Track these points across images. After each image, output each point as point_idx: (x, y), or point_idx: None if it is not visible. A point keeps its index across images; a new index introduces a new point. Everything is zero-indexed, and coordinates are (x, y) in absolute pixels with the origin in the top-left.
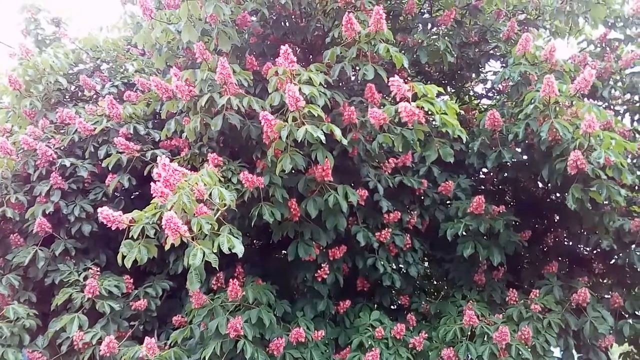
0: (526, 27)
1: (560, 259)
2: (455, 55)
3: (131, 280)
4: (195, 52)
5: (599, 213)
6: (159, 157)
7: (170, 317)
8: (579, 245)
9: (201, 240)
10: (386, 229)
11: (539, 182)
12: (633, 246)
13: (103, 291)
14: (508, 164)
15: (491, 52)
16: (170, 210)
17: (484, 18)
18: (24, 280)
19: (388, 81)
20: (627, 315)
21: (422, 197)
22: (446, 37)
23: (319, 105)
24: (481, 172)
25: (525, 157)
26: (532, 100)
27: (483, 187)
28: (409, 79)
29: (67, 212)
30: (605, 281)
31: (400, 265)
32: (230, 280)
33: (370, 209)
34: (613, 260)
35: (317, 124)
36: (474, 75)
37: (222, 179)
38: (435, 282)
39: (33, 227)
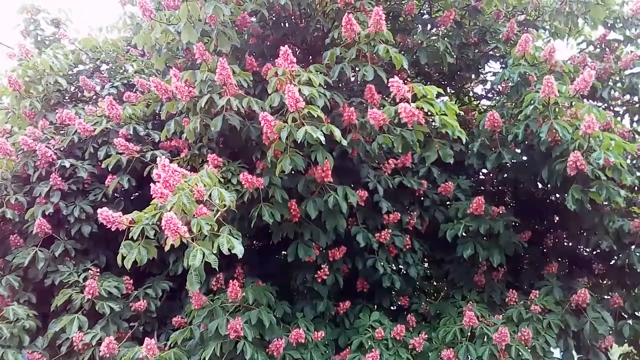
0: (526, 28)
1: (560, 259)
2: (454, 56)
3: (131, 281)
4: (194, 53)
5: (598, 214)
6: (159, 158)
7: (170, 318)
8: (578, 246)
9: (201, 241)
10: (386, 229)
11: (538, 183)
12: (633, 247)
13: (103, 292)
14: (508, 164)
15: (491, 53)
16: (170, 211)
17: (484, 19)
18: (24, 281)
19: (388, 82)
20: (626, 316)
21: (422, 198)
22: (446, 38)
23: (318, 106)
24: (481, 173)
25: (524, 158)
26: (532, 101)
27: (483, 188)
28: (409, 79)
29: (67, 213)
30: (605, 282)
31: (400, 266)
32: (230, 281)
33: (370, 210)
34: (613, 261)
35: (316, 124)
36: (473, 76)
37: (221, 180)
38: (435, 283)
39: (33, 228)
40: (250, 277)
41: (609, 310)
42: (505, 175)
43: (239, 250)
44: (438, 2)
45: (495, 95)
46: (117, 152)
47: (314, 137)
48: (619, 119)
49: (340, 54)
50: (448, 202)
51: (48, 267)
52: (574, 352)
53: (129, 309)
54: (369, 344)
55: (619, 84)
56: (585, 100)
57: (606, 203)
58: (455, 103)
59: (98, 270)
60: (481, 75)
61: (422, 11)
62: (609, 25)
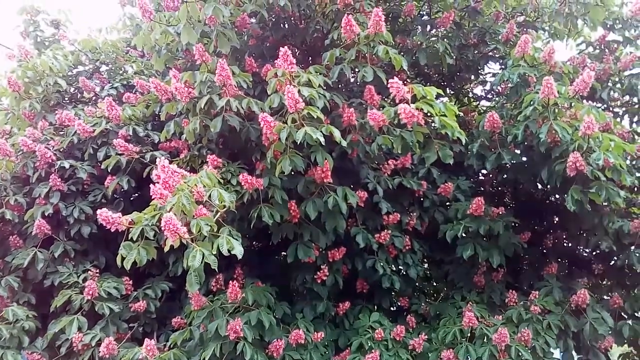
0: (525, 29)
1: (559, 260)
2: (454, 57)
3: (130, 282)
4: (194, 54)
5: (598, 214)
6: (158, 159)
7: (170, 318)
8: (578, 247)
9: (200, 242)
10: (385, 230)
11: (538, 184)
12: (632, 247)
13: (102, 293)
14: (507, 165)
15: (490, 53)
16: (169, 212)
17: (483, 20)
18: (23, 282)
19: (387, 83)
20: (626, 317)
21: (422, 199)
22: (445, 39)
23: (318, 107)
24: (480, 174)
25: (524, 158)
26: (531, 102)
27: (482, 189)
28: (408, 80)
29: (67, 213)
30: (604, 282)
31: (399, 267)
32: (230, 281)
33: (369, 211)
34: (612, 262)
35: (316, 125)
36: (473, 77)
37: (221, 181)
38: (434, 284)
39: (32, 228)
40: (250, 277)
41: (608, 310)
42: (505, 176)
43: (238, 251)
44: (437, 3)
45: (494, 96)
46: (117, 153)
47: (314, 138)
48: (618, 119)
49: (340, 55)
50: (448, 203)
51: (47, 268)
52: (573, 353)
53: (128, 310)
54: (369, 344)
55: (618, 85)
56: (584, 101)
57: (606, 204)
58: (454, 104)
59: (97, 271)
60: (481, 76)
61: (421, 12)
62: (608, 26)
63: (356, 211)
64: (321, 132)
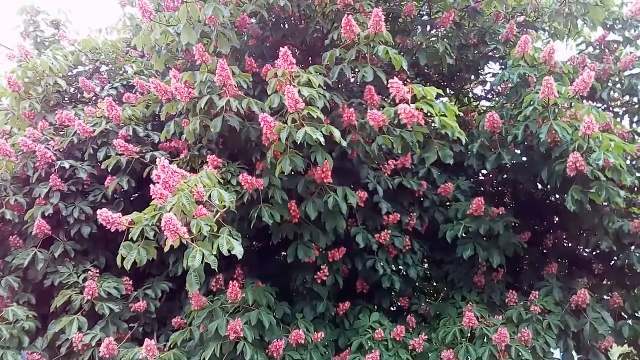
0: (525, 29)
1: (559, 260)
2: (454, 57)
3: (130, 282)
4: (194, 54)
5: (598, 214)
6: (158, 159)
7: (170, 318)
8: (578, 247)
9: (200, 242)
10: (385, 230)
11: (538, 184)
12: (632, 247)
13: (102, 293)
14: (507, 165)
15: (490, 54)
16: (169, 212)
17: (483, 20)
18: (23, 282)
19: (387, 83)
20: (626, 316)
21: (422, 199)
22: (445, 39)
23: (318, 107)
24: (480, 174)
25: (524, 158)
26: (531, 102)
27: (482, 189)
28: (408, 80)
29: (67, 213)
30: (604, 282)
31: (399, 267)
32: (230, 281)
33: (369, 211)
34: (612, 262)
35: (316, 125)
36: (473, 77)
37: (221, 181)
38: (434, 284)
39: (32, 228)
40: (250, 277)
41: (608, 310)
42: (505, 176)
43: (238, 251)
44: (437, 3)
45: (494, 96)
46: (117, 153)
47: (314, 138)
48: (618, 119)
49: (340, 55)
50: (448, 203)
51: (47, 268)
52: (573, 353)
53: (128, 310)
54: (369, 344)
55: (618, 85)
56: (584, 101)
57: (606, 204)
58: (454, 104)
59: (97, 271)
60: (481, 76)
61: (421, 12)
62: (608, 26)
63: (356, 211)
64: (321, 132)
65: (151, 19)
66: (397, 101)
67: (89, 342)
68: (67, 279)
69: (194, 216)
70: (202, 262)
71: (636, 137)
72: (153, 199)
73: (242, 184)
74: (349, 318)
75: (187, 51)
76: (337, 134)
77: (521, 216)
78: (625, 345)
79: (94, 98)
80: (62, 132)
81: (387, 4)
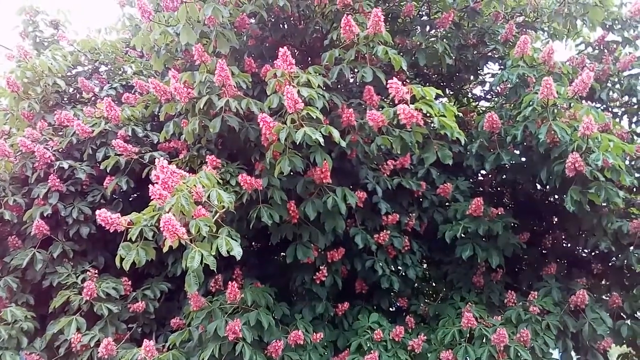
0: (524, 30)
1: (558, 260)
2: (453, 57)
3: (129, 283)
4: (193, 54)
5: (597, 215)
6: (157, 159)
7: (169, 319)
8: (577, 247)
9: (199, 243)
10: (384, 231)
11: (537, 184)
12: (631, 248)
13: (101, 293)
14: (506, 166)
15: (489, 54)
16: (168, 212)
17: (482, 20)
18: (22, 283)
19: (386, 83)
20: (625, 317)
21: (421, 199)
22: (444, 40)
23: (317, 108)
24: (479, 174)
25: (523, 159)
26: (531, 103)
27: (481, 189)
28: (408, 81)
29: (65, 214)
30: (603, 282)
31: (398, 268)
32: (229, 282)
33: (368, 211)
34: (611, 262)
35: (315, 126)
36: (472, 77)
37: (220, 181)
38: (433, 284)
39: (31, 229)
40: (249, 278)
41: (607, 310)
42: (504, 176)
43: (237, 251)
44: (437, 3)
45: (494, 96)
46: (116, 154)
47: (313, 139)
48: (617, 120)
49: (339, 55)
50: (447, 203)
51: (46, 269)
52: (572, 353)
53: (127, 311)
54: (368, 345)
55: (617, 86)
56: (583, 101)
57: (605, 204)
58: (454, 104)
59: (96, 271)
60: (480, 77)
61: (420, 13)
62: (607, 26)
63: (355, 212)
64: (320, 132)
65: (150, 19)
66: (396, 101)
67: (87, 342)
68: (65, 280)
69: (193, 217)
70: (201, 263)
71: (635, 137)
72: (152, 200)
73: (241, 184)
74: (348, 319)
75: (186, 51)
76: (336, 134)
77: (520, 217)
78: (624, 345)
79: (93, 98)
80: (61, 133)
81: (387, 4)
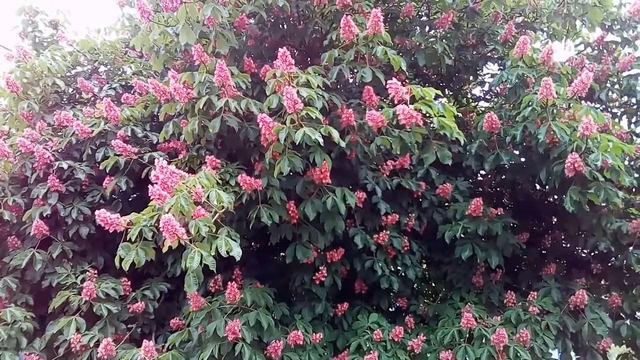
0: (524, 30)
1: (558, 260)
2: (453, 57)
3: (129, 283)
4: (193, 55)
5: (596, 215)
6: (157, 160)
7: (168, 319)
8: (576, 247)
9: (199, 243)
10: (384, 231)
11: (536, 185)
12: (631, 248)
13: (100, 294)
14: (506, 166)
15: (489, 54)
16: (168, 212)
17: (482, 21)
18: (22, 283)
19: (386, 84)
20: (624, 317)
21: (420, 200)
22: (444, 40)
23: (317, 108)
24: (479, 175)
25: (522, 159)
26: (530, 103)
27: (481, 190)
28: (407, 81)
29: (65, 214)
30: (603, 283)
31: (398, 268)
32: (228, 282)
33: (368, 211)
34: (611, 262)
35: (315, 126)
36: (471, 77)
37: (220, 182)
38: (433, 285)
39: (30, 229)
40: (248, 278)
41: (607, 310)
42: (504, 176)
43: (236, 252)
44: (436, 4)
45: (493, 96)
46: (115, 154)
47: (312, 139)
48: (616, 120)
49: (339, 55)
50: (446, 204)
51: (46, 269)
52: (572, 353)
53: (126, 311)
54: (367, 345)
55: (616, 86)
56: (583, 101)
57: (604, 204)
58: (453, 105)
59: (96, 271)
60: (479, 77)
61: (420, 13)
62: (606, 27)
63: (355, 212)
64: (320, 132)
65: (150, 20)
66: (395, 102)
67: (87, 343)
68: (65, 280)
69: (192, 217)
70: (200, 263)
71: (634, 137)
72: (151, 200)
73: (241, 184)
74: (347, 319)
75: (185, 52)
76: (335, 134)
77: (520, 217)
78: (624, 345)
79: (92, 99)
80: (60, 133)
81: (386, 5)
